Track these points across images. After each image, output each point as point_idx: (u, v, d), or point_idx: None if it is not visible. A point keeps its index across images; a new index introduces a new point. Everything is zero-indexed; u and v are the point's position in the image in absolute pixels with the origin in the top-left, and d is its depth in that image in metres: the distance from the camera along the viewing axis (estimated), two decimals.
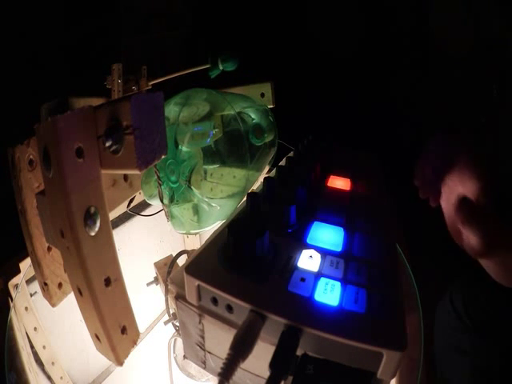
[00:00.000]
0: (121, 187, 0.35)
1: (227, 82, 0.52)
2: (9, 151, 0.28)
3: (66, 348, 0.59)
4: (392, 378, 0.19)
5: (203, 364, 0.28)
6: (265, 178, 0.34)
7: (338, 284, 0.22)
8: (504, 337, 0.53)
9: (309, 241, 0.27)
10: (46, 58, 0.76)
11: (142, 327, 0.74)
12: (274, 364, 0.18)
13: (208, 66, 0.49)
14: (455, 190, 0.34)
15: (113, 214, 0.49)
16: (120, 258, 0.22)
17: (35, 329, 0.49)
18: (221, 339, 0.25)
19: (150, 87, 0.52)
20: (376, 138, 0.85)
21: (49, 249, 0.30)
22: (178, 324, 0.46)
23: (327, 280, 0.23)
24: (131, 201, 0.47)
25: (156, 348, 0.71)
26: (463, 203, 0.32)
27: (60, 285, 0.30)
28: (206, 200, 0.39)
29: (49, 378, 0.52)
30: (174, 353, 0.56)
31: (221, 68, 0.49)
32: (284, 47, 0.95)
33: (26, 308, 0.47)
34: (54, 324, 0.55)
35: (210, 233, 0.28)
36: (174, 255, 0.49)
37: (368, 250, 0.26)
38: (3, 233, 0.45)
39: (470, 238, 0.31)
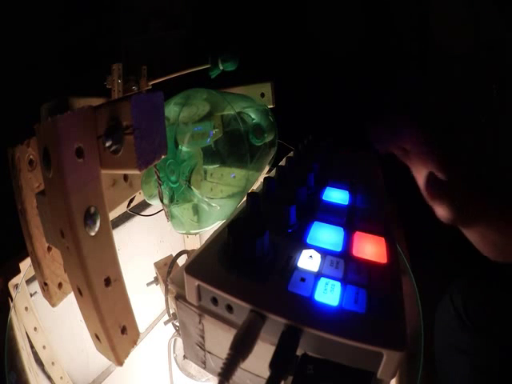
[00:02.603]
0: (121, 187, 0.35)
1: (227, 82, 0.52)
2: (9, 151, 0.28)
3: (66, 348, 0.59)
4: (392, 377, 0.19)
5: (203, 364, 0.28)
6: (265, 178, 0.34)
7: (337, 284, 0.22)
8: (504, 337, 0.53)
9: (309, 241, 0.27)
10: (45, 57, 0.76)
11: (141, 327, 0.74)
12: (273, 364, 0.18)
13: (208, 66, 0.49)
14: (419, 168, 0.39)
15: (113, 214, 0.49)
16: (120, 258, 0.22)
17: (35, 329, 0.49)
18: (221, 339, 0.25)
19: (150, 87, 0.52)
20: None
21: (49, 249, 0.30)
22: (178, 324, 0.46)
23: (327, 280, 0.23)
24: (131, 201, 0.47)
25: (156, 348, 0.71)
26: (427, 182, 0.37)
27: (60, 285, 0.30)
28: (206, 200, 0.39)
29: (49, 377, 0.52)
30: (174, 353, 0.56)
31: (221, 68, 0.49)
32: (284, 47, 0.95)
33: (26, 308, 0.47)
34: (54, 324, 0.55)
35: (210, 233, 0.28)
36: (174, 255, 0.49)
37: None
38: (3, 233, 0.45)
39: (438, 211, 0.36)
